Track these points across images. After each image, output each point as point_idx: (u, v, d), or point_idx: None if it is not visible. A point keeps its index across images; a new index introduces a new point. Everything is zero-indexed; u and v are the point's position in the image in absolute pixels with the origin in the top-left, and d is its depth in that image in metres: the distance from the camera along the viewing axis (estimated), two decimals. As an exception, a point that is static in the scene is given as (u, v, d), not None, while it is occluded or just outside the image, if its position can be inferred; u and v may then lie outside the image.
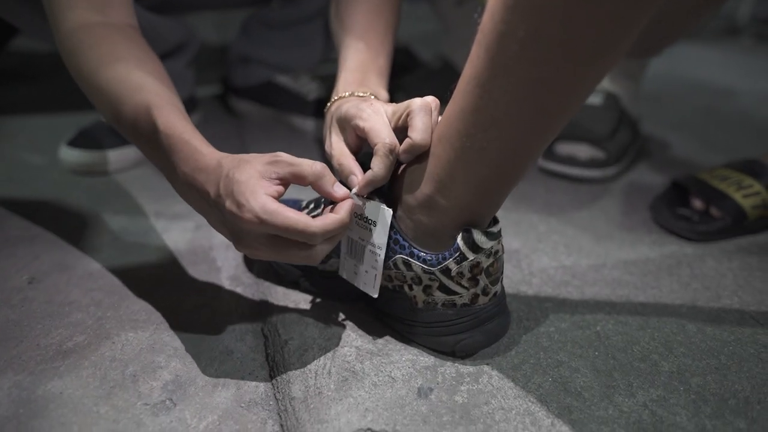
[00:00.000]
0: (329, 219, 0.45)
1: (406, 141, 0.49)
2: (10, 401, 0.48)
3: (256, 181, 0.44)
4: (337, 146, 0.55)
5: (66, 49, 0.57)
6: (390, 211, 0.50)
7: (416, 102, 0.49)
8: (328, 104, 0.61)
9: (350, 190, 0.50)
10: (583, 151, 0.93)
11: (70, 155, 0.88)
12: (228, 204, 0.44)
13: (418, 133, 0.48)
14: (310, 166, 0.46)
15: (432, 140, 0.48)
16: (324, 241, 0.47)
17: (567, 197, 0.88)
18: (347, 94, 0.60)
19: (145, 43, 0.59)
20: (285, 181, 0.46)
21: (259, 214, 0.43)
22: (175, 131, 0.49)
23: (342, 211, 0.47)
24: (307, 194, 0.69)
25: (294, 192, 0.74)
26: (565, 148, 0.94)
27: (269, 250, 0.46)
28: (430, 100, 0.50)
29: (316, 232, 0.44)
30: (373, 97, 0.59)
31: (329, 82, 1.24)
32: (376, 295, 0.53)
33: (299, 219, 0.43)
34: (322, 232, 0.45)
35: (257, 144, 1.04)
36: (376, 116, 0.51)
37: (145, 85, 0.53)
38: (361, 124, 0.51)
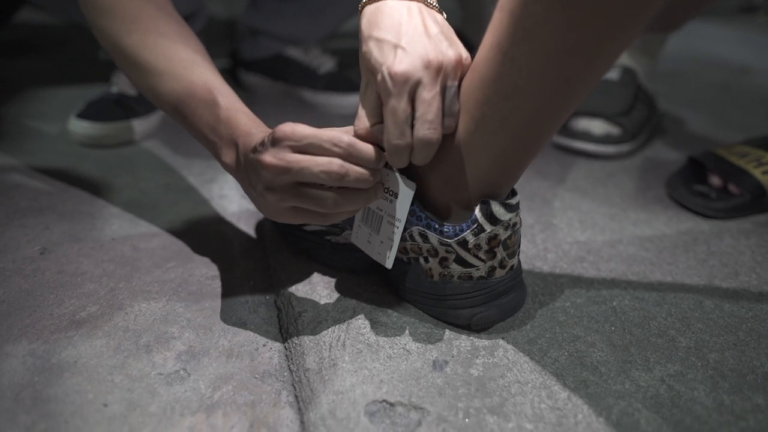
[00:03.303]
0: (361, 143, 0.45)
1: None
2: (25, 369, 0.48)
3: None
4: (363, 103, 0.48)
5: (101, 25, 0.56)
6: (414, 185, 0.49)
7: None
8: (360, 5, 0.48)
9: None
10: (598, 126, 0.91)
11: (79, 127, 0.87)
12: (265, 138, 0.45)
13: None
14: (348, 128, 0.47)
15: None
16: (341, 199, 0.45)
17: (582, 173, 0.86)
18: None
19: (177, 15, 0.59)
20: None
21: (284, 128, 0.44)
22: (237, 108, 0.52)
23: (376, 152, 0.46)
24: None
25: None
26: (580, 124, 0.92)
27: (291, 174, 0.44)
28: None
29: (343, 137, 0.44)
30: None
31: (341, 55, 1.22)
32: (390, 267, 0.52)
33: (323, 130, 0.44)
34: (349, 140, 0.44)
35: (266, 118, 1.02)
36: (395, 99, 0.43)
37: (196, 64, 0.55)
38: (379, 95, 0.45)
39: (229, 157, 0.51)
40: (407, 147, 0.45)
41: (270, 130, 0.48)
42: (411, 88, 0.43)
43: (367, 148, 0.45)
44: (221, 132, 0.51)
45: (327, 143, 0.44)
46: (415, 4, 0.46)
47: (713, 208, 0.74)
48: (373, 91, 0.46)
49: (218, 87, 0.53)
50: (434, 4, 0.47)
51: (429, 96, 0.43)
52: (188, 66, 0.54)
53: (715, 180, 0.77)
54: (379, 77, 0.44)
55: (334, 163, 0.43)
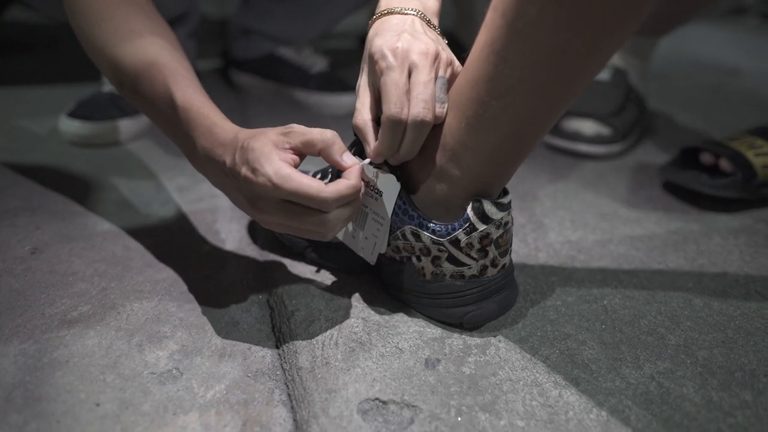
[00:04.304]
0: (341, 184, 0.44)
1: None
2: (16, 369, 0.47)
3: (270, 148, 0.44)
4: (362, 99, 0.50)
5: (78, 22, 0.56)
6: (399, 186, 0.49)
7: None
8: (370, 21, 0.52)
9: (362, 159, 0.49)
10: (589, 127, 0.92)
11: (69, 126, 0.87)
12: (244, 170, 0.44)
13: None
14: (321, 133, 0.46)
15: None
16: (338, 210, 0.46)
17: (573, 173, 0.87)
18: (386, 11, 0.51)
19: (155, 12, 0.58)
20: (298, 151, 0.46)
21: (273, 178, 0.43)
22: (193, 106, 0.49)
23: (352, 176, 0.46)
24: (313, 166, 0.68)
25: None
26: (571, 124, 0.93)
27: (282, 216, 0.45)
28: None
29: (329, 198, 0.43)
30: (414, 12, 0.50)
31: (333, 55, 1.22)
32: (373, 263, 0.53)
33: (312, 184, 0.43)
34: (336, 197, 0.44)
35: (259, 118, 1.03)
36: (397, 71, 0.46)
37: (160, 60, 0.52)
38: (379, 79, 0.47)
39: (193, 156, 0.51)
40: (403, 122, 0.46)
41: (230, 125, 0.48)
42: (409, 66, 0.46)
43: (347, 188, 0.44)
44: (181, 131, 0.50)
45: (311, 204, 0.44)
46: (418, 20, 0.50)
47: (706, 183, 0.74)
48: (373, 86, 0.48)
49: (177, 83, 0.50)
50: (436, 25, 0.51)
51: (425, 78, 0.46)
52: (152, 64, 0.51)
53: (707, 158, 0.77)
54: (378, 56, 0.46)
55: (321, 224, 0.46)
